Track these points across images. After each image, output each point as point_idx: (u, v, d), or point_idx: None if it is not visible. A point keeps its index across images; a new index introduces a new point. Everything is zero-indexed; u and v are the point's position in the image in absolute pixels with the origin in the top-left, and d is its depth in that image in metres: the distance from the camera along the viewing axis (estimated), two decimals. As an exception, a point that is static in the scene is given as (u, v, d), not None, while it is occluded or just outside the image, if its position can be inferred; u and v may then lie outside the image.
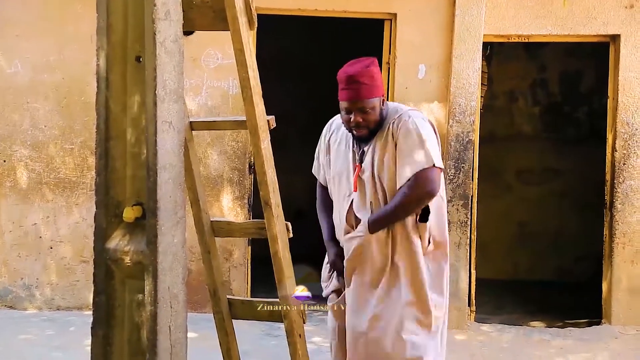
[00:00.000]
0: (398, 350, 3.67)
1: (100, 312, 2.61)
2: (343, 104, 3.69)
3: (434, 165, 3.63)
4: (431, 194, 3.64)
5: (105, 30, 2.57)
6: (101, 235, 2.60)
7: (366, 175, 3.71)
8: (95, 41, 2.60)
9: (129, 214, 2.55)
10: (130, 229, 2.59)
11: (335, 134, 3.91)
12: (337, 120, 3.95)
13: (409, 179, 3.61)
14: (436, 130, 3.79)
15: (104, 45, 2.57)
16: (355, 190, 3.74)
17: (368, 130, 3.69)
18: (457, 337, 6.39)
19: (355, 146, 3.78)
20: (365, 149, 3.74)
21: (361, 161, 3.74)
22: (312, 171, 4.09)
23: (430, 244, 3.73)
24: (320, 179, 4.04)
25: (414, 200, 3.62)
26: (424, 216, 3.71)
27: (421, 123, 3.70)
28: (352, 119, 3.67)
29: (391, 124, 3.69)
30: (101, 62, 2.58)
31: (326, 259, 3.97)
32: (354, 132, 3.72)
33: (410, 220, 3.69)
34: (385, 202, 3.69)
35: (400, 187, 3.63)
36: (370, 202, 3.71)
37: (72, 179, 6.72)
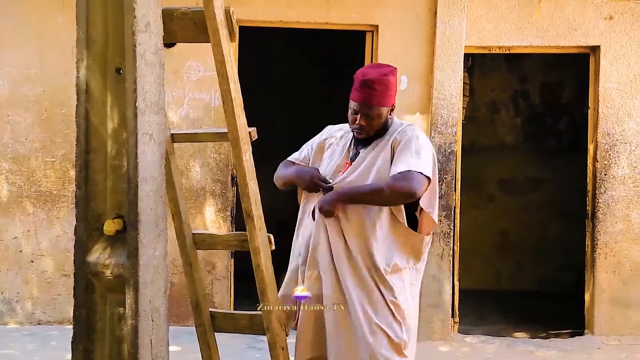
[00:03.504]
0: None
1: (81, 326, 2.59)
2: (352, 104, 3.75)
3: (422, 174, 3.63)
4: (412, 193, 3.60)
5: (85, 42, 2.56)
6: (82, 249, 2.58)
7: (354, 174, 3.73)
8: (75, 53, 2.58)
9: (110, 226, 2.54)
10: (111, 242, 2.58)
11: (333, 137, 3.95)
12: (335, 127, 4.01)
13: (397, 174, 3.62)
14: (435, 155, 3.80)
15: (84, 57, 2.56)
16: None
17: (368, 135, 3.75)
18: (441, 348, 6.39)
19: (352, 146, 3.83)
20: (361, 150, 3.79)
21: (352, 160, 3.78)
22: (288, 158, 4.05)
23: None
24: (295, 160, 4.02)
25: (393, 191, 3.59)
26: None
27: (423, 137, 3.77)
28: (357, 121, 3.72)
29: (395, 134, 3.74)
30: (81, 74, 2.57)
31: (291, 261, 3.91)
32: (355, 132, 3.78)
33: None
34: None
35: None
36: None
37: (53, 192, 6.67)
